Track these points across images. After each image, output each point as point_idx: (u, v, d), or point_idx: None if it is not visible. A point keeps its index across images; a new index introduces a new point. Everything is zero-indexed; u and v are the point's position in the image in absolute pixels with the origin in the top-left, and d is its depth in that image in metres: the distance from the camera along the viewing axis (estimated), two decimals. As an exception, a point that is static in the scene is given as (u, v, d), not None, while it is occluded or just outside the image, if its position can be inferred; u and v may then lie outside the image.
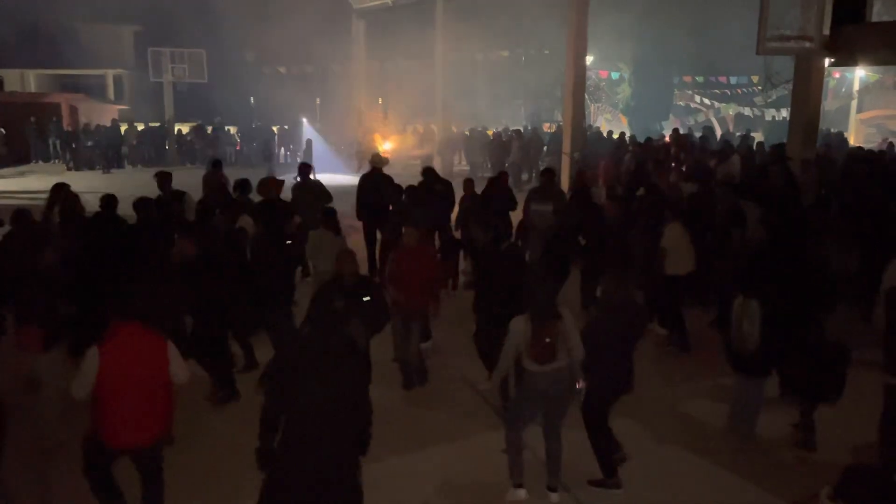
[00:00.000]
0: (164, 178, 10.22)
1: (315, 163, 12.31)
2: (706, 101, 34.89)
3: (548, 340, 4.86)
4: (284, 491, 3.69)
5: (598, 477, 5.30)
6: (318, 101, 29.11)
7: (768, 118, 30.86)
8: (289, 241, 7.84)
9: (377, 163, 11.09)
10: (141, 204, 8.37)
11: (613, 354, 5.20)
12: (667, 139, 19.71)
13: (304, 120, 26.99)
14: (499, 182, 10.55)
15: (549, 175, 10.19)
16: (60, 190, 9.01)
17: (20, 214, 7.61)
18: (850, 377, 6.78)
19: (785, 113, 25.62)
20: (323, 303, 5.31)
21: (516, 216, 9.92)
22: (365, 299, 5.65)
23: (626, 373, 5.30)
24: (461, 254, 9.78)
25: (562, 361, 4.95)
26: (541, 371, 4.92)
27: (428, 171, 10.69)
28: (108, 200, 8.26)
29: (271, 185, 9.43)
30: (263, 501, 3.78)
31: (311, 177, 10.87)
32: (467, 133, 25.10)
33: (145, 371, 4.36)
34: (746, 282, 5.79)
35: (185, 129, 28.16)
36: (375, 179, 10.66)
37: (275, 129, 27.87)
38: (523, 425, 5.19)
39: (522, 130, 24.84)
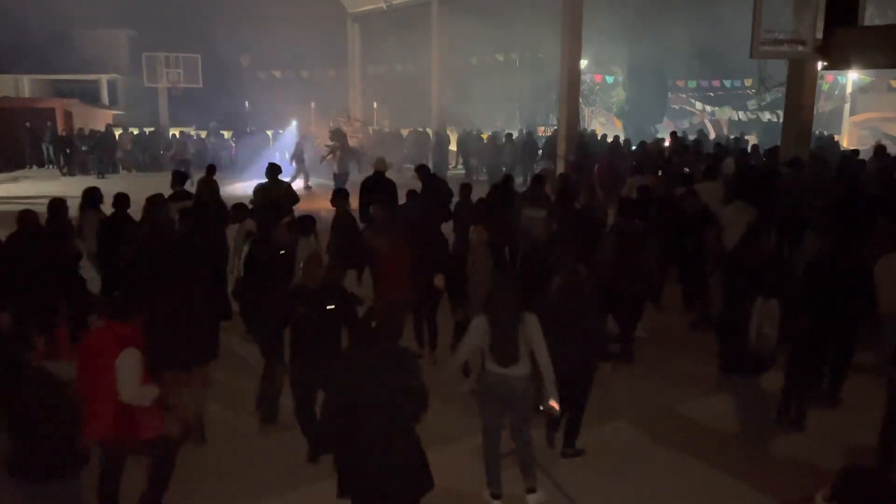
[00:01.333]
0: (176, 177, 10.34)
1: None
2: (699, 104, 35.06)
3: (508, 342, 4.87)
4: (359, 477, 4.11)
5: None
6: (312, 105, 29.13)
7: (763, 120, 31.01)
8: (282, 251, 7.36)
9: (380, 166, 11.10)
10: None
11: (565, 341, 5.23)
12: (666, 142, 19.79)
13: (294, 123, 27.07)
14: (506, 186, 10.52)
15: (540, 181, 10.21)
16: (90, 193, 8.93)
17: (26, 215, 7.62)
18: (847, 380, 6.88)
19: (779, 116, 25.74)
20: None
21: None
22: (329, 307, 5.38)
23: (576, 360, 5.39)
24: None
25: (524, 367, 4.93)
26: (501, 374, 4.91)
27: (422, 169, 10.70)
28: (121, 200, 8.35)
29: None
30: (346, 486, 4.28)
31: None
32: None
33: (93, 373, 4.38)
34: (765, 283, 5.70)
35: (178, 134, 28.13)
36: (378, 183, 10.67)
37: (269, 133, 27.87)
38: (497, 432, 5.16)
39: (516, 134, 24.90)
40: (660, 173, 13.99)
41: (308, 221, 7.92)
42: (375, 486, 4.05)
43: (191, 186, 11.59)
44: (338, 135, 20.99)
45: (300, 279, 5.88)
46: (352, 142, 22.41)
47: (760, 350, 5.59)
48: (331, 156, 19.87)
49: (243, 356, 7.61)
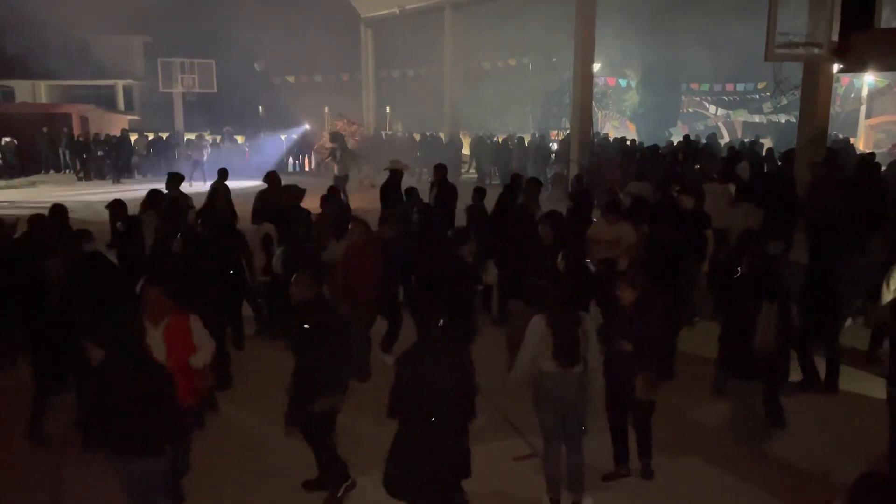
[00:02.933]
0: (172, 179, 10.44)
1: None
2: (713, 107, 34.91)
3: (571, 342, 4.83)
4: (409, 459, 4.37)
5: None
6: (326, 109, 29.24)
7: (781, 122, 30.79)
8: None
9: (397, 166, 11.03)
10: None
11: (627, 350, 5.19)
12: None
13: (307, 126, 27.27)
14: (514, 188, 10.50)
15: (536, 185, 10.25)
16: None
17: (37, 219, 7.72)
18: (866, 387, 6.83)
19: (794, 117, 25.57)
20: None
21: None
22: (304, 327, 5.02)
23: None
24: None
25: (580, 366, 4.89)
26: (560, 375, 4.86)
27: (440, 169, 10.70)
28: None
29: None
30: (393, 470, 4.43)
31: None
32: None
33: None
34: (767, 287, 5.71)
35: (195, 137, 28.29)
36: (397, 185, 10.66)
37: (283, 137, 27.97)
38: (559, 437, 5.07)
39: (528, 138, 24.90)
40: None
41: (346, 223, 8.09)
42: (421, 471, 4.32)
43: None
44: (337, 137, 21.12)
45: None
46: (350, 144, 22.51)
47: (764, 354, 5.61)
48: (330, 158, 19.98)
49: (258, 360, 7.65)
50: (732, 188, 10.03)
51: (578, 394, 4.94)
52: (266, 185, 10.46)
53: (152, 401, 4.07)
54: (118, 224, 8.54)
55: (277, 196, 10.08)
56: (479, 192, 9.94)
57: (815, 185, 10.76)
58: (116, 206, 8.73)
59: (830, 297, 6.88)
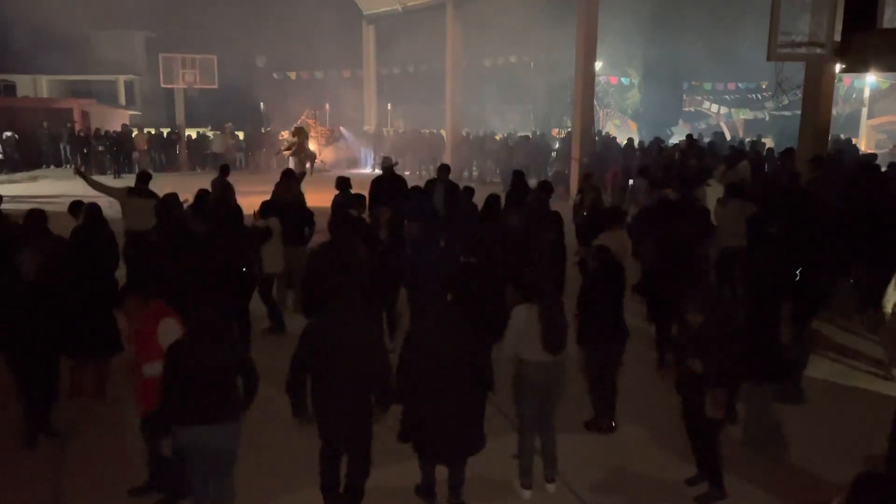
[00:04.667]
0: (140, 177, 10.59)
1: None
2: (714, 106, 34.85)
3: (560, 329, 4.97)
4: (423, 430, 4.60)
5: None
6: (327, 106, 29.22)
7: (783, 121, 30.73)
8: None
9: (387, 163, 11.19)
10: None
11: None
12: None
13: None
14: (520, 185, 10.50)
15: (547, 188, 10.28)
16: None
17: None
18: (866, 387, 6.82)
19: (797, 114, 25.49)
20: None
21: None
22: None
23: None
24: None
25: (564, 352, 5.10)
26: (545, 363, 4.96)
27: (444, 169, 10.75)
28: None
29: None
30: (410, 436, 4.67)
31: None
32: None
33: (142, 345, 4.95)
34: (783, 285, 5.72)
35: (194, 134, 28.24)
36: (388, 181, 10.75)
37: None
38: (535, 424, 5.20)
39: (531, 136, 24.88)
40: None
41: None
42: (439, 434, 4.56)
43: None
44: (299, 132, 21.10)
45: None
46: (312, 145, 22.55)
47: (792, 353, 5.58)
48: (288, 151, 19.89)
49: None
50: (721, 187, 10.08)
51: (560, 380, 5.14)
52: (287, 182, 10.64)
53: (233, 371, 4.51)
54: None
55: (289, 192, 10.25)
56: (468, 191, 9.92)
57: (813, 183, 10.76)
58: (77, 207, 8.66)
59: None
